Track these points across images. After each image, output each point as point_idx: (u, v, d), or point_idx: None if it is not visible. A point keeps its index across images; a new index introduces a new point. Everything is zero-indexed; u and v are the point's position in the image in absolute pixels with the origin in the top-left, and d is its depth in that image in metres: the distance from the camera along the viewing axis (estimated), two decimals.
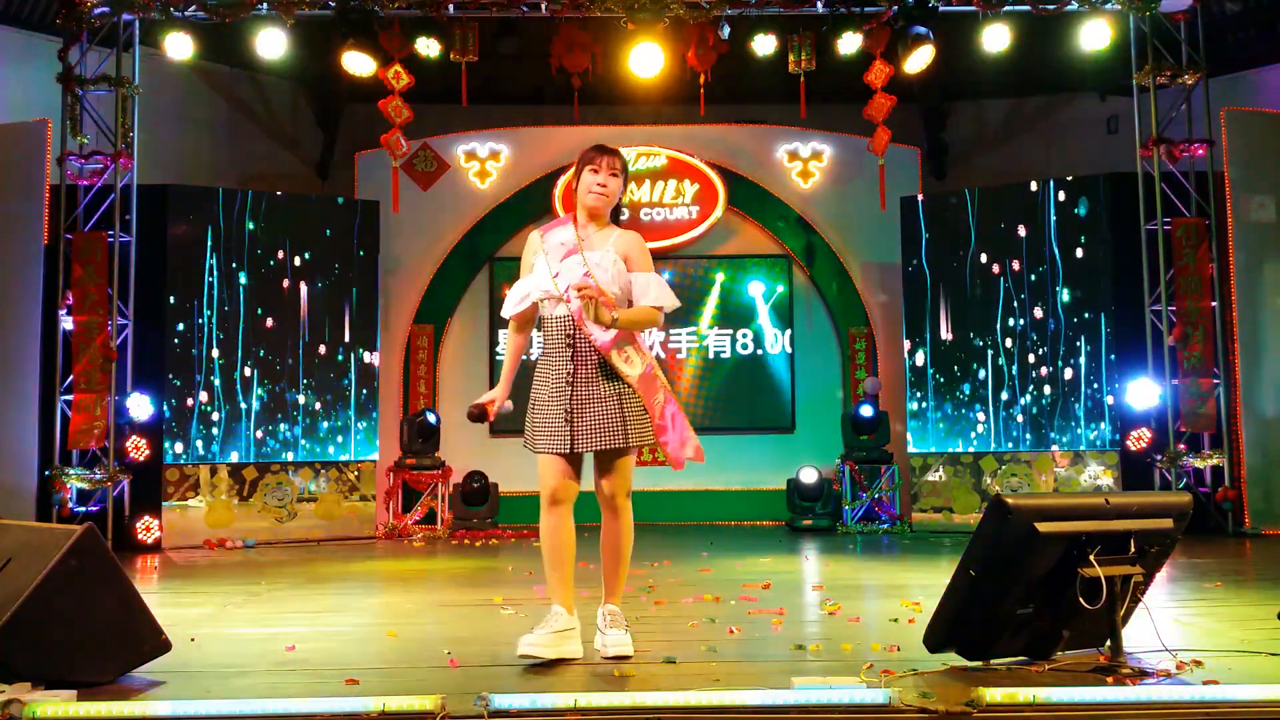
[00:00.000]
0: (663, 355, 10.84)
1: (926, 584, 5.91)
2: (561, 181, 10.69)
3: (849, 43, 9.18)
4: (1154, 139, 9.04)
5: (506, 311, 4.06)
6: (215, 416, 9.02)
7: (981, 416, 9.41)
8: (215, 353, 9.06)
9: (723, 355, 10.92)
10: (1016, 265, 9.39)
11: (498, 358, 10.70)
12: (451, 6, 8.94)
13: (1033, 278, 9.33)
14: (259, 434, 9.17)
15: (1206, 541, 8.12)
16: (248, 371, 9.16)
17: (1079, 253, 9.21)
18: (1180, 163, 9.05)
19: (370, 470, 9.59)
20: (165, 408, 8.84)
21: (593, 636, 4.00)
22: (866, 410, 9.90)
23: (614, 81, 9.68)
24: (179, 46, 9.08)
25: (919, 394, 9.66)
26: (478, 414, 3.96)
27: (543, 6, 8.91)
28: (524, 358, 4.15)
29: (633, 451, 3.93)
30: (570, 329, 3.89)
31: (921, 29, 8.71)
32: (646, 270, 3.98)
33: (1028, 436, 9.24)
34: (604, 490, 3.93)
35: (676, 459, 3.91)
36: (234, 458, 9.07)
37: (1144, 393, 8.87)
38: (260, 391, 9.19)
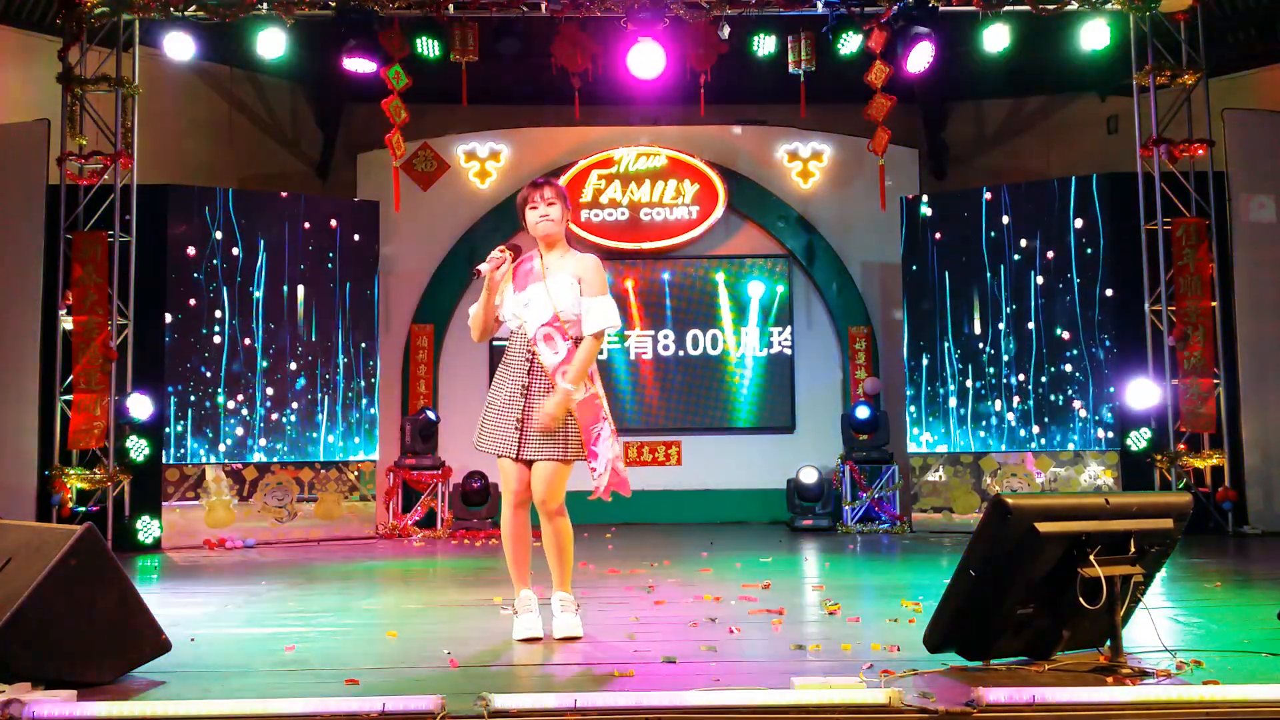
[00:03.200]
0: (664, 355, 10.87)
1: (926, 584, 5.91)
2: (561, 182, 10.65)
3: (849, 43, 9.19)
4: (1154, 139, 9.03)
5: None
6: (215, 416, 9.02)
7: (982, 416, 9.41)
8: (215, 352, 9.06)
9: (723, 355, 10.91)
10: (1016, 265, 9.38)
11: (496, 348, 10.68)
12: (451, 6, 8.94)
13: (1033, 278, 9.32)
14: (259, 434, 9.17)
15: (1206, 541, 8.12)
16: (247, 371, 9.16)
17: (1079, 252, 9.20)
18: (1180, 163, 9.06)
19: (370, 470, 9.58)
20: (165, 408, 8.84)
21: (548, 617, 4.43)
22: (866, 410, 9.90)
23: (614, 81, 9.68)
24: (179, 46, 9.09)
25: (919, 394, 9.65)
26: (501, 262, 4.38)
27: (543, 6, 8.90)
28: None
29: (568, 465, 4.31)
30: (530, 348, 4.34)
31: (923, 29, 8.69)
32: (596, 292, 4.37)
33: (1023, 435, 9.23)
34: (537, 497, 4.33)
35: (596, 486, 4.28)
36: (234, 458, 9.07)
37: (1144, 393, 8.86)
38: (260, 391, 9.19)
